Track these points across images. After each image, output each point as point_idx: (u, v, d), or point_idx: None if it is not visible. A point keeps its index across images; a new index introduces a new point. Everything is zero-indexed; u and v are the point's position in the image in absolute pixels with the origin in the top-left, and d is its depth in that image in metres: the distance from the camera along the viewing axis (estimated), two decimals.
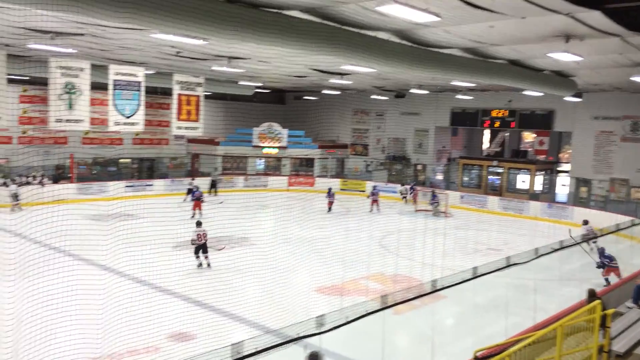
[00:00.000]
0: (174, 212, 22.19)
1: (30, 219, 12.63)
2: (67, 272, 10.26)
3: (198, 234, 14.84)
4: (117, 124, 18.62)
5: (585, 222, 18.12)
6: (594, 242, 16.22)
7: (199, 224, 15.25)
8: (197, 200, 22.20)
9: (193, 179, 26.16)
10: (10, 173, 24.83)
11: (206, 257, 14.92)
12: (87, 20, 11.55)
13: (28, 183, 23.62)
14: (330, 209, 24.98)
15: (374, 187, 26.84)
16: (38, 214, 10.83)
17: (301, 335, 6.71)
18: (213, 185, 28.53)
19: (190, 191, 22.46)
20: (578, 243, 13.09)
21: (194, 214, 21.85)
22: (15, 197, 21.34)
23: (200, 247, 14.89)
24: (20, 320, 7.95)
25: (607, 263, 14.31)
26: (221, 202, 23.83)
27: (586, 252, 14.98)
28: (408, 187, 28.83)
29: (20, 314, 8.13)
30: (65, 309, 9.19)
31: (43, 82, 22.53)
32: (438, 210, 25.29)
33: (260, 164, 32.85)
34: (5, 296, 8.83)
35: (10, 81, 21.70)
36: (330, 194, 25.32)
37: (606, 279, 14.22)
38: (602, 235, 14.49)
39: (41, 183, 23.69)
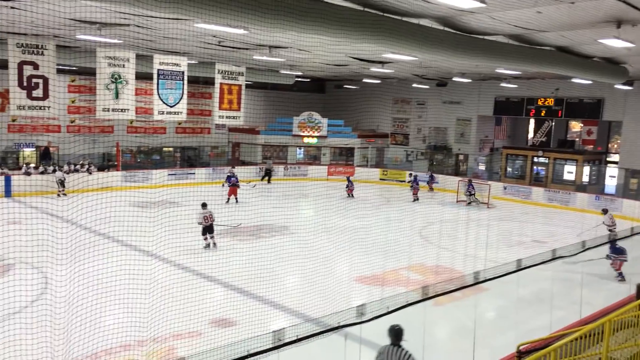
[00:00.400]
0: (215, 200, 22.55)
1: (79, 205, 13.08)
2: (114, 257, 10.59)
3: (205, 216, 15.04)
4: (161, 113, 18.98)
5: (605, 211, 17.52)
6: (613, 232, 15.69)
7: (204, 205, 15.40)
8: (233, 187, 22.73)
9: (233, 167, 26.51)
10: (58, 160, 25.69)
11: (212, 237, 15.20)
12: (133, 10, 11.78)
13: (76, 171, 24.41)
14: (351, 195, 25.49)
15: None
16: (86, 200, 11.17)
17: (342, 324, 6.74)
18: (267, 173, 29.11)
19: (228, 178, 23.09)
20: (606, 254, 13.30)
21: (228, 199, 22.51)
22: (61, 183, 22.07)
23: (207, 229, 15.11)
24: (71, 303, 8.24)
25: (613, 257, 13.63)
26: (254, 186, 24.43)
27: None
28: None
29: (71, 296, 8.43)
30: (113, 292, 9.49)
31: (90, 72, 23.14)
32: (475, 200, 24.86)
33: (300, 153, 32.98)
34: (57, 280, 9.16)
35: (59, 71, 22.39)
36: (349, 181, 25.99)
37: (620, 273, 13.58)
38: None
39: (89, 171, 24.45)
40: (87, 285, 8.93)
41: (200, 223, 15.06)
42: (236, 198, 22.65)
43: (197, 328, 9.36)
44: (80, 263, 9.79)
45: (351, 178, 26.43)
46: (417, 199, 25.09)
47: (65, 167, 24.50)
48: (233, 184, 22.80)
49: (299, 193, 26.04)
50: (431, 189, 28.19)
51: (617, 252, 13.68)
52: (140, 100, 26.13)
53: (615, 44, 12.89)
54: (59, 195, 21.70)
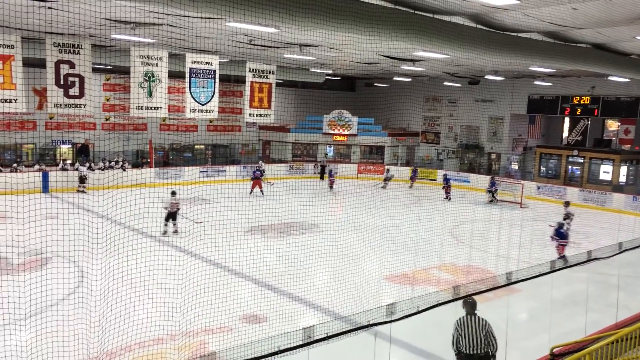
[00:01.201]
0: (247, 197, 22.75)
1: (113, 201, 13.33)
2: (148, 252, 10.78)
3: (171, 203, 15.97)
4: (192, 111, 19.20)
5: (567, 204, 18.58)
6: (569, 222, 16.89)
7: (173, 193, 16.39)
8: (256, 180, 23.93)
9: (262, 163, 26.97)
10: (93, 157, 26.25)
11: (174, 225, 16.01)
12: (166, 10, 11.95)
13: (111, 167, 24.92)
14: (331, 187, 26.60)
15: (446, 176, 26.31)
16: (120, 196, 11.38)
17: (371, 322, 6.72)
18: (323, 170, 29.47)
19: (254, 172, 24.51)
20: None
21: (251, 191, 23.67)
22: (82, 180, 22.48)
23: (170, 215, 15.96)
24: (106, 296, 8.42)
25: (557, 239, 14.64)
26: (272, 184, 24.82)
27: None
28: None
29: (106, 290, 8.61)
30: (146, 287, 9.67)
31: (124, 71, 23.58)
32: (495, 198, 24.49)
33: (330, 151, 32.99)
34: (93, 273, 9.38)
35: (95, 70, 22.87)
36: (331, 174, 27.35)
37: (562, 256, 14.15)
38: None
39: (122, 167, 24.93)
40: (121, 279, 9.11)
41: (166, 208, 15.97)
42: (261, 190, 23.78)
43: (228, 323, 9.46)
44: (115, 257, 10.00)
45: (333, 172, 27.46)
46: (449, 199, 24.82)
47: (100, 164, 25.04)
48: (256, 177, 24.00)
49: (329, 191, 26.06)
50: (411, 186, 28.79)
51: (561, 237, 14.76)
52: (172, 99, 26.52)
53: None
54: (77, 191, 22.17)
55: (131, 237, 14.30)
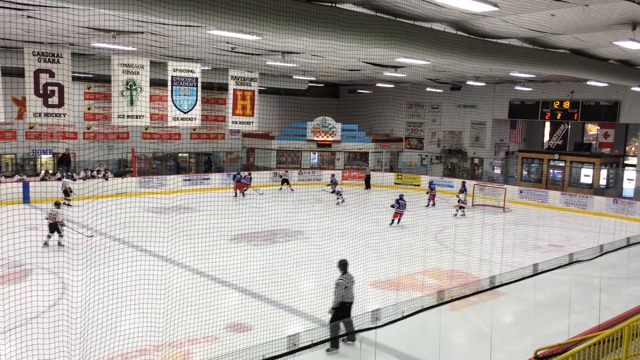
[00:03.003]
0: (231, 205, 22.65)
1: (95, 211, 13.17)
2: (130, 262, 10.67)
3: (49, 213, 15.20)
4: (175, 119, 19.11)
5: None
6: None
7: (56, 204, 15.52)
8: (238, 183, 24.95)
9: (245, 171, 27.23)
10: (75, 167, 25.96)
11: (61, 237, 15.22)
12: (147, 18, 11.90)
13: (93, 177, 24.66)
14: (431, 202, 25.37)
15: (431, 183, 26.36)
16: (103, 206, 11.27)
17: (357, 329, 6.73)
18: (368, 180, 29.64)
19: (234, 176, 25.69)
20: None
21: (235, 194, 24.67)
22: (66, 193, 21.97)
23: (50, 227, 15.20)
24: (88, 308, 8.31)
25: (396, 207, 19.65)
26: (261, 193, 25.13)
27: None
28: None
29: (88, 301, 8.50)
30: (129, 297, 9.56)
31: (105, 79, 23.37)
32: (464, 202, 24.52)
33: (314, 157, 33.02)
34: (74, 284, 9.25)
35: (75, 79, 22.65)
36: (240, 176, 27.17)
37: (393, 221, 19.65)
38: None
39: (105, 177, 24.69)
40: (103, 290, 9.00)
41: (47, 219, 15.27)
42: (243, 192, 24.71)
43: (213, 333, 9.39)
44: (97, 268, 9.88)
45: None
46: (434, 204, 24.86)
47: (82, 173, 24.76)
48: (238, 180, 24.90)
49: (314, 198, 26.05)
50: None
51: (399, 205, 19.73)
52: (155, 107, 26.36)
53: (630, 46, 12.73)
54: (63, 204, 21.75)
55: (114, 247, 14.17)
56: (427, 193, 25.45)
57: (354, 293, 9.23)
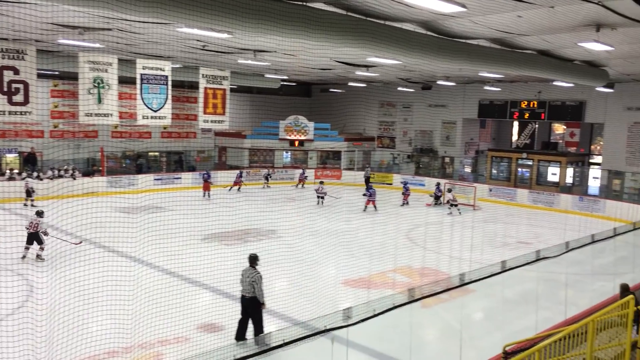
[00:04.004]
0: (202, 204, 22.46)
1: (62, 211, 12.91)
2: (98, 263, 10.50)
3: (31, 222, 13.76)
4: (145, 117, 18.87)
5: (450, 190, 24.00)
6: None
7: (38, 213, 14.05)
8: (206, 182, 24.94)
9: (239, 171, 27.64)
10: (42, 166, 25.38)
11: (41, 249, 13.68)
12: (114, 14, 11.70)
13: (60, 176, 24.15)
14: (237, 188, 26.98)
15: (406, 183, 26.48)
16: (70, 206, 11.06)
17: (328, 327, 6.74)
18: (367, 181, 29.30)
19: (203, 175, 25.70)
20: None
21: (204, 194, 24.75)
22: (29, 193, 21.51)
23: (30, 237, 13.62)
24: (53, 311, 8.15)
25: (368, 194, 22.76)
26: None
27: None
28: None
29: (53, 304, 8.33)
30: (96, 299, 9.40)
31: (73, 77, 22.92)
32: (440, 202, 24.95)
33: (287, 156, 32.97)
34: (38, 287, 9.06)
35: (41, 76, 22.14)
36: (239, 174, 27.65)
37: (366, 207, 22.65)
38: None
39: (73, 176, 24.20)
40: (70, 291, 8.83)
41: (27, 228, 13.72)
42: (209, 193, 24.77)
43: (184, 333, 9.30)
44: (64, 269, 9.68)
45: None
46: (407, 203, 25.06)
47: (49, 173, 24.23)
48: (205, 180, 25.06)
49: (286, 197, 26.02)
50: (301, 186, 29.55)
51: (370, 193, 22.95)
52: (124, 105, 25.95)
53: (595, 47, 13.05)
54: (25, 205, 21.31)
55: (81, 247, 13.91)
56: (403, 193, 25.50)
57: (255, 289, 9.15)
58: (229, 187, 26.86)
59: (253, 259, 9.47)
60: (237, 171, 28.27)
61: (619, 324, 7.01)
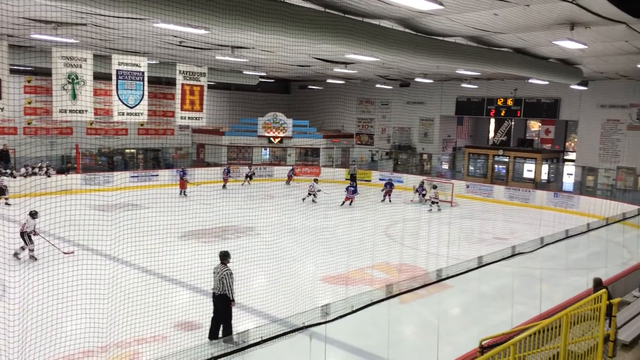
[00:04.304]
0: (180, 202, 22.27)
1: (37, 209, 12.67)
2: (73, 261, 10.34)
3: (24, 224, 13.58)
4: (120, 114, 18.60)
5: (435, 187, 24.07)
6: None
7: (32, 214, 13.68)
8: (182, 180, 24.69)
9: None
10: (15, 164, 24.89)
11: (31, 250, 13.44)
12: (88, 9, 11.52)
13: (34, 174, 23.70)
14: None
15: (390, 180, 26.52)
16: (44, 204, 10.87)
17: (307, 324, 6.73)
18: (353, 177, 29.26)
19: (178, 171, 25.45)
20: None
21: (180, 192, 24.47)
22: (1, 191, 20.96)
23: (23, 237, 13.49)
24: (27, 310, 8.00)
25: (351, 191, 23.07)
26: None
27: None
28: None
29: (27, 303, 8.19)
30: (72, 298, 9.26)
31: (47, 73, 22.53)
32: (423, 199, 25.12)
33: (266, 153, 32.86)
34: (11, 286, 8.89)
35: (14, 71, 21.70)
36: (226, 170, 28.01)
37: (343, 203, 22.84)
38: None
39: (47, 174, 23.78)
40: (45, 290, 8.68)
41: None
42: (184, 191, 24.50)
43: (162, 332, 9.22)
44: (38, 268, 9.52)
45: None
46: (390, 201, 24.96)
47: (22, 170, 23.77)
48: (181, 177, 24.76)
49: (265, 194, 25.94)
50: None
51: (351, 190, 23.30)
52: (99, 102, 25.59)
53: (569, 45, 13.26)
54: None
55: (56, 246, 13.68)
56: (382, 190, 25.52)
57: (224, 285, 9.08)
58: (223, 185, 27.04)
59: (224, 256, 9.36)
60: (223, 167, 28.23)
61: (592, 317, 7.13)
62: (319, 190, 24.25)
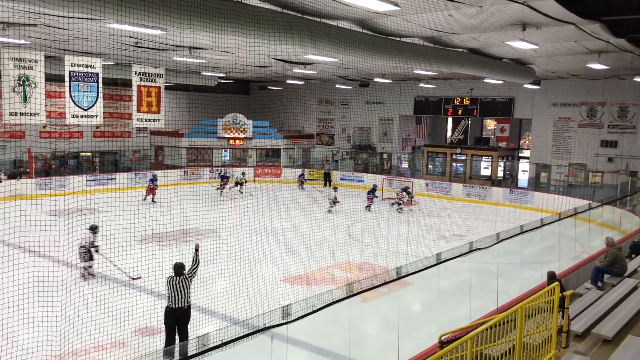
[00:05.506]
0: (139, 205, 21.84)
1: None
2: (25, 268, 10.01)
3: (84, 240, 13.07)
4: (74, 116, 18.07)
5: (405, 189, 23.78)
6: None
7: (92, 228, 13.42)
8: (151, 187, 24.14)
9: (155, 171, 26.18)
10: None
11: (90, 267, 13.17)
12: (37, 9, 11.18)
13: None
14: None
15: (375, 187, 24.83)
16: None
17: (268, 325, 6.71)
18: (327, 177, 29.73)
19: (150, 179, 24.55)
20: None
21: (145, 197, 23.86)
22: None
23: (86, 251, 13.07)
24: None
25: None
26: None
27: None
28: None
29: None
30: (24, 306, 8.97)
31: None
32: (403, 203, 25.02)
33: (226, 155, 32.57)
34: None
35: None
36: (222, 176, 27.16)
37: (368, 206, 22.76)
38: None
39: None
40: None
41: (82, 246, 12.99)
42: (153, 198, 23.77)
43: (120, 338, 9.03)
44: None
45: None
46: (369, 209, 23.51)
47: None
48: (152, 182, 24.21)
49: (226, 195, 25.72)
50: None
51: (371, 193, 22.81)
52: (52, 104, 24.88)
53: (521, 45, 13.62)
54: None
55: (6, 252, 13.21)
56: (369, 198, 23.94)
57: (188, 293, 9.00)
58: (220, 191, 26.37)
59: (180, 268, 9.15)
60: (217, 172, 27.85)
61: (546, 310, 7.34)
62: (337, 201, 22.86)
